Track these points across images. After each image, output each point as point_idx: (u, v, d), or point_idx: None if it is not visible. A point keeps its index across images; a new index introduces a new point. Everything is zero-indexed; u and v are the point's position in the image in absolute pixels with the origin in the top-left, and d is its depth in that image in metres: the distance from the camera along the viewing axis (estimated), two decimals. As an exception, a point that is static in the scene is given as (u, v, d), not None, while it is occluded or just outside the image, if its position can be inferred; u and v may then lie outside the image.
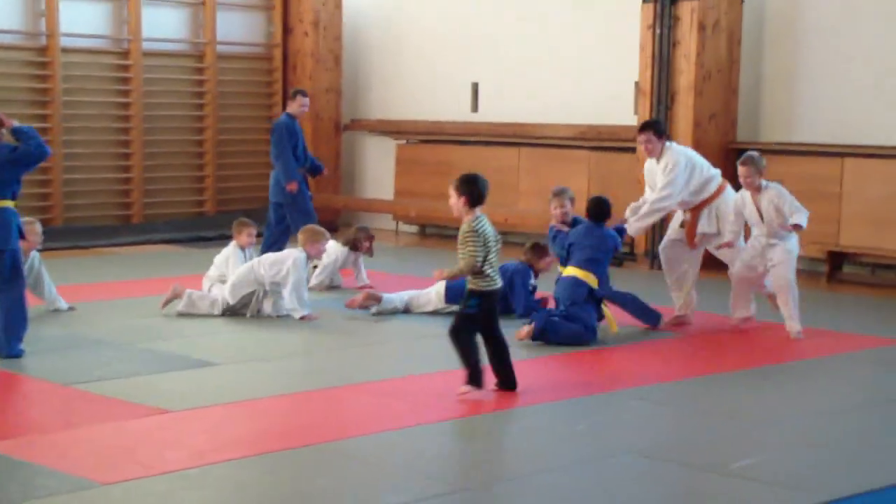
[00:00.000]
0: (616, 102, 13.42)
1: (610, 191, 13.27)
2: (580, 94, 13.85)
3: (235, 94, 15.82)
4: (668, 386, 7.32)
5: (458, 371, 7.43)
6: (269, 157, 16.04)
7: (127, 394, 6.79)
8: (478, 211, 6.72)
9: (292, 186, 11.45)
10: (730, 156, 12.46)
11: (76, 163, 14.33)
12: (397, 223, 15.66)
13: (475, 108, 15.09)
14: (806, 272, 11.88)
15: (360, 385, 7.25)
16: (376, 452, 5.86)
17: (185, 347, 8.13)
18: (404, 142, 15.81)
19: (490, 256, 6.72)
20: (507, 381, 6.94)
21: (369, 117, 16.20)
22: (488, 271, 6.73)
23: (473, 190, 6.65)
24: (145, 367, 7.53)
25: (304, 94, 11.87)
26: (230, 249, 10.07)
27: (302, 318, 9.09)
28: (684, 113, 12.25)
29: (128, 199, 14.76)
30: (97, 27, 14.52)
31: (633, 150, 12.79)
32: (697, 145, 12.24)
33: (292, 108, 11.78)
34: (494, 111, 14.79)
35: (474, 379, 6.78)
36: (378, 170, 16.19)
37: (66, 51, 14.11)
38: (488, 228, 6.72)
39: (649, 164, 9.29)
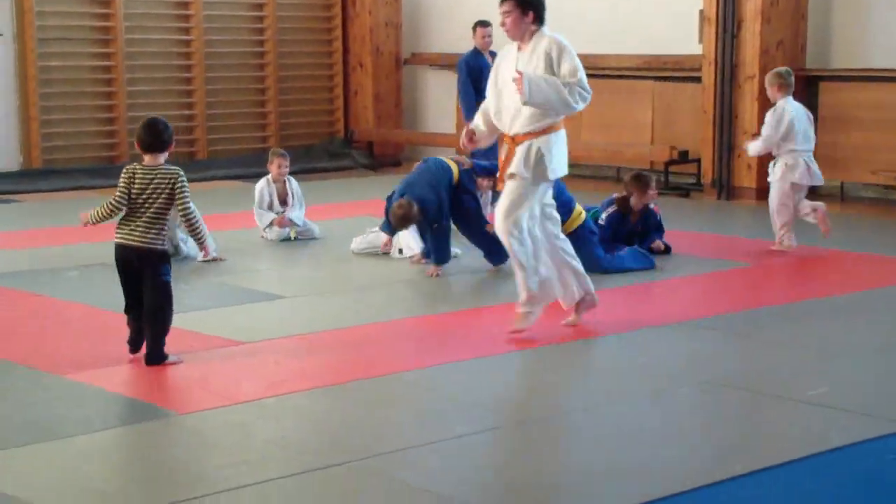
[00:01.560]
0: (680, 31, 13.20)
1: (674, 122, 13.19)
2: (643, 23, 13.63)
3: (295, 31, 15.77)
4: (738, 316, 7.25)
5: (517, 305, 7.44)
6: (331, 93, 16.18)
7: (200, 325, 6.86)
8: (149, 158, 6.10)
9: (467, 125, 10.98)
10: (799, 83, 12.20)
11: (139, 100, 14.38)
12: (459, 157, 15.59)
13: (535, 38, 14.90)
14: (879, 200, 11.71)
15: (424, 317, 7.28)
16: (443, 384, 5.88)
17: (254, 281, 8.19)
18: (465, 75, 15.66)
19: (138, 206, 6.02)
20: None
21: (430, 51, 16.09)
22: (122, 221, 6.10)
23: (137, 134, 6.16)
24: (217, 300, 7.60)
25: (483, 24, 11.25)
26: (261, 183, 9.85)
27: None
28: (751, 40, 12.04)
29: (191, 136, 14.81)
30: (157, -36, 14.53)
31: (698, 79, 12.63)
32: (765, 72, 12.04)
33: (476, 40, 11.31)
34: (556, 42, 14.58)
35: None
36: (439, 103, 16.09)
37: (127, -12, 14.15)
38: (138, 178, 6.03)
39: (506, 57, 6.63)
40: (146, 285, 6.07)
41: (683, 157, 12.74)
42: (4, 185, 13.03)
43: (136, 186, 6.05)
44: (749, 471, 4.61)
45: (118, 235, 6.10)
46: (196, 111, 14.81)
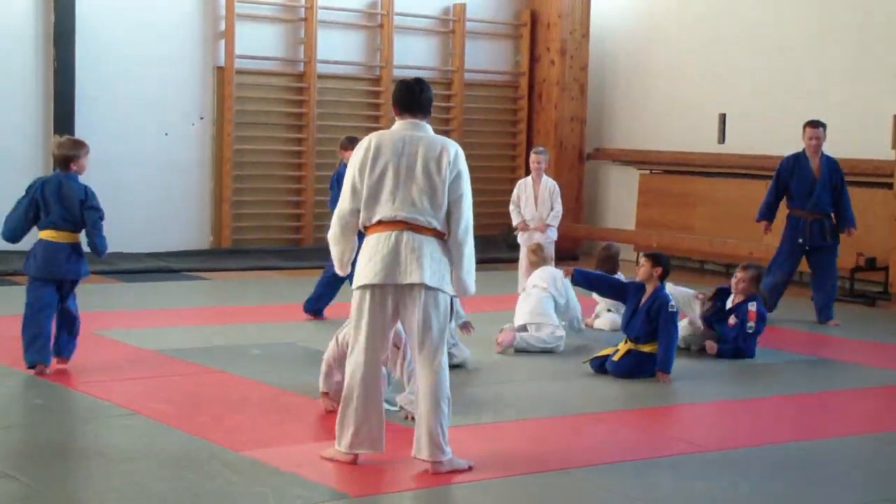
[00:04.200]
0: (872, 135, 12.96)
1: (862, 227, 12.84)
2: (832, 126, 13.38)
3: (482, 122, 16.06)
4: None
5: (722, 402, 7.31)
6: (512, 184, 16.33)
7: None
8: None
9: (760, 225, 11.02)
10: None
11: (327, 185, 14.79)
12: (638, 254, 15.50)
13: (722, 139, 14.85)
14: None
15: (603, 413, 7.23)
16: (617, 482, 5.80)
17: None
18: (648, 172, 15.69)
19: None
20: None
21: (613, 146, 16.15)
22: None
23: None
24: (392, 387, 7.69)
25: (812, 124, 10.82)
26: None
27: None
28: (947, 148, 11.73)
29: (374, 221, 15.12)
30: (351, 55, 15.03)
31: (889, 185, 12.34)
32: (960, 181, 11.73)
33: (803, 140, 10.92)
34: (742, 142, 14.50)
35: None
36: (620, 199, 16.12)
37: (321, 77, 14.66)
38: None
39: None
40: None
41: (871, 263, 12.41)
42: (194, 262, 13.54)
43: None
44: None
45: None
46: (380, 198, 15.13)
